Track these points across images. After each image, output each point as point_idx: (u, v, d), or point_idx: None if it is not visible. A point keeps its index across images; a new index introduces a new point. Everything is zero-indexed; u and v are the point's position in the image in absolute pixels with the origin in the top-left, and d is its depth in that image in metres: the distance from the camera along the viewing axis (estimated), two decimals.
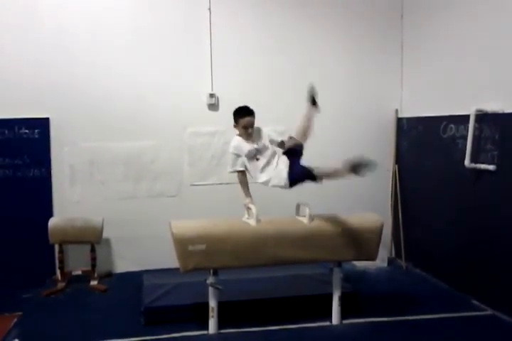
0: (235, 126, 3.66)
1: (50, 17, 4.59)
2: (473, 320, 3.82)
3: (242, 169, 3.63)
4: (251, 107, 3.64)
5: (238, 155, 3.60)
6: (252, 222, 3.50)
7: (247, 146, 3.58)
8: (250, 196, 3.64)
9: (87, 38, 4.68)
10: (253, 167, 3.61)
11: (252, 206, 3.53)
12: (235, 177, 3.61)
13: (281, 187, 3.55)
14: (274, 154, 3.63)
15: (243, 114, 3.60)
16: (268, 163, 3.58)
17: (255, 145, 3.59)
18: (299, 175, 3.48)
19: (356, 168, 3.26)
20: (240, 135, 3.64)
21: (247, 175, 3.69)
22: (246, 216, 3.62)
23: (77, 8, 4.65)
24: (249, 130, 3.59)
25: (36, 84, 4.60)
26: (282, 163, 3.57)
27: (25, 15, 4.54)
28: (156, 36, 4.84)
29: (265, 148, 3.62)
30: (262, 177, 3.57)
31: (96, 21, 4.70)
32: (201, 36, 4.88)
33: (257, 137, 3.64)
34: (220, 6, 4.87)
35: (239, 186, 3.70)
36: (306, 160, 3.64)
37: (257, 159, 3.59)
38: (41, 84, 4.61)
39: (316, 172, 3.43)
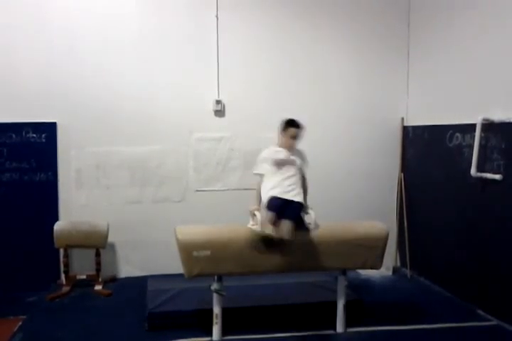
0: (280, 135, 3.61)
1: (59, 22, 4.63)
2: (478, 330, 3.80)
3: (263, 173, 3.61)
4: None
5: (265, 160, 3.59)
6: (257, 228, 3.50)
7: (278, 154, 3.57)
8: (259, 204, 3.62)
9: (96, 44, 4.71)
10: (270, 173, 3.58)
11: (257, 213, 3.53)
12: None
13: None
14: (297, 174, 3.59)
15: (294, 125, 3.60)
16: (287, 179, 3.52)
17: (284, 156, 3.57)
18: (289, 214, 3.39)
19: None
20: (281, 145, 3.60)
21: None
22: (251, 222, 3.63)
23: (86, 14, 4.69)
24: (294, 141, 3.59)
25: (44, 88, 4.64)
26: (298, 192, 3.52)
27: (34, 20, 4.58)
28: (164, 43, 4.87)
29: (292, 162, 3.59)
30: (274, 188, 3.49)
31: (104, 27, 4.73)
32: (208, 43, 4.90)
33: (298, 155, 3.63)
34: (227, 13, 4.89)
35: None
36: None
37: (279, 168, 3.55)
38: (49, 89, 4.64)
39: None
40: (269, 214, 3.34)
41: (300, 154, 3.67)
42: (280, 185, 3.47)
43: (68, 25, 4.65)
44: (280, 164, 3.56)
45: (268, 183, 3.53)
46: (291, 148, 3.61)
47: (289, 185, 3.49)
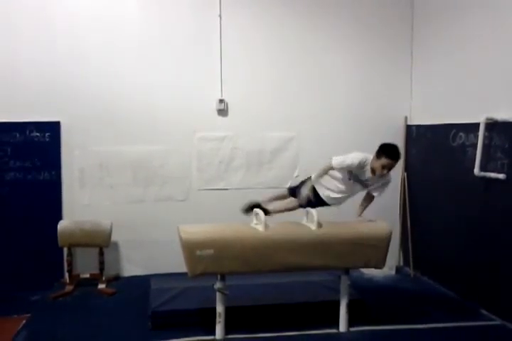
0: (374, 159, 3.56)
1: (63, 23, 4.64)
2: (482, 330, 3.79)
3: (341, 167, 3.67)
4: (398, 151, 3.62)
5: (351, 165, 3.58)
6: (260, 227, 3.51)
7: (363, 172, 3.61)
8: (317, 178, 3.77)
9: (99, 43, 4.72)
10: (335, 180, 3.72)
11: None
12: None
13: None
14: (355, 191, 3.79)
15: (392, 156, 3.50)
16: (344, 192, 3.73)
17: (366, 177, 3.64)
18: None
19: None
20: (373, 166, 3.57)
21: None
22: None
23: (89, 15, 4.69)
24: (385, 171, 3.53)
25: (48, 88, 4.64)
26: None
27: (38, 21, 4.59)
28: (167, 42, 4.87)
29: (366, 186, 3.71)
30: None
31: (108, 27, 4.74)
32: (211, 42, 4.90)
33: (383, 178, 3.66)
34: (230, 13, 4.90)
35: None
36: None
37: (350, 180, 3.66)
38: (53, 88, 4.65)
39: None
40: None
41: (384, 178, 3.67)
42: (336, 192, 3.72)
43: (71, 25, 4.66)
44: (353, 179, 3.64)
45: (330, 183, 3.72)
46: (379, 175, 3.59)
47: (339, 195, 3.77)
